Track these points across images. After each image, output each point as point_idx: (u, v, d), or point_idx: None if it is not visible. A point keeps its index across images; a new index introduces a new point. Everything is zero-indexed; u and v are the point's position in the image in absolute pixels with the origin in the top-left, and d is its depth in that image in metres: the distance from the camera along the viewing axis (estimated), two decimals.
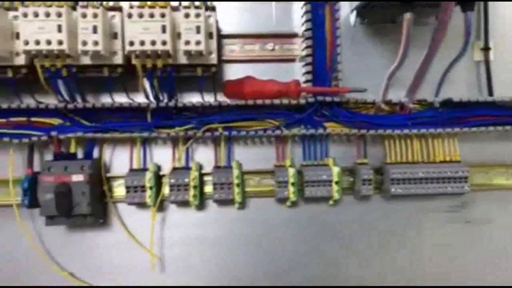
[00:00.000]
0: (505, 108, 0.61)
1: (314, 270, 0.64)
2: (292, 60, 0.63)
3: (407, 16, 0.51)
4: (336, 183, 0.59)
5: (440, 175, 0.59)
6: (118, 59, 0.53)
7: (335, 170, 0.59)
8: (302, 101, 0.58)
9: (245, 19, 0.62)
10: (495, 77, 0.63)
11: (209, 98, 0.59)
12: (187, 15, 0.51)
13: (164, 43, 0.50)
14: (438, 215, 0.64)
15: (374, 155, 0.63)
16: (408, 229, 0.64)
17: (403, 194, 0.59)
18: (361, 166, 0.60)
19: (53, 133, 0.56)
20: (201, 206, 0.62)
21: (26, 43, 0.49)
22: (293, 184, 0.59)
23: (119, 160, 0.62)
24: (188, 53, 0.52)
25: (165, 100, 0.57)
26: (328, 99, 0.58)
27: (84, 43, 0.50)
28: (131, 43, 0.50)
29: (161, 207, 0.61)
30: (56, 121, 0.58)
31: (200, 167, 0.61)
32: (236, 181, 0.58)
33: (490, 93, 0.63)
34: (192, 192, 0.58)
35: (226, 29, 0.60)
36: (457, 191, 0.59)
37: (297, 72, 0.62)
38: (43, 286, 0.60)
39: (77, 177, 0.55)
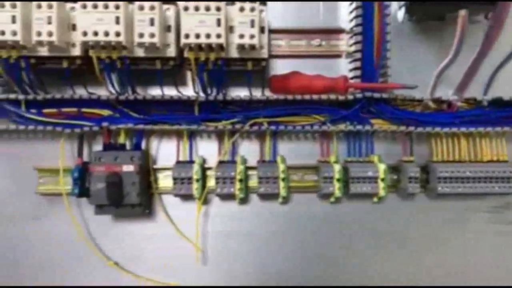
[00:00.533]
0: None
1: (353, 268, 0.63)
2: (338, 56, 0.62)
3: (462, 13, 0.51)
4: (382, 180, 0.59)
5: (488, 174, 0.59)
6: (171, 52, 0.54)
7: (382, 167, 0.58)
8: (350, 97, 0.58)
9: (291, 14, 0.62)
10: None
11: (255, 93, 0.59)
12: (242, 9, 0.51)
13: (219, 36, 0.51)
14: (481, 215, 0.64)
15: (418, 153, 0.63)
16: (451, 228, 0.64)
17: (450, 193, 0.59)
18: (407, 163, 0.60)
19: (105, 124, 0.57)
20: (244, 200, 0.62)
21: (84, 34, 0.50)
22: (338, 180, 0.59)
23: (164, 152, 0.62)
24: (241, 47, 0.53)
25: (214, 94, 0.58)
26: (376, 95, 0.58)
27: (141, 35, 0.50)
28: (187, 36, 0.51)
29: (204, 200, 0.62)
30: (106, 112, 0.59)
31: (245, 161, 0.62)
32: (282, 175, 0.58)
33: None
34: (238, 185, 0.58)
35: (272, 24, 0.61)
36: (505, 191, 0.59)
37: (343, 68, 0.62)
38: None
39: (128, 168, 0.56)
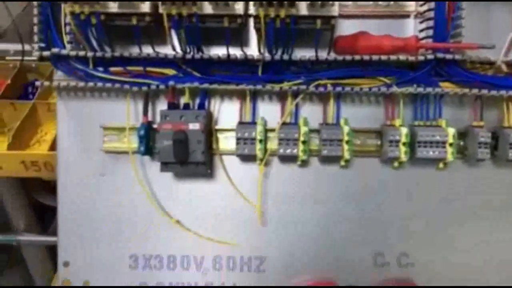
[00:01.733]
0: None
1: (415, 235, 0.62)
2: (406, 16, 0.60)
3: None
4: (451, 144, 0.57)
5: None
6: (239, 9, 0.53)
7: (451, 131, 0.57)
8: (421, 58, 0.56)
9: None
10: None
11: (320, 54, 0.58)
12: None
13: None
14: None
15: (487, 119, 0.61)
16: None
17: None
18: (477, 128, 0.58)
19: (171, 83, 0.57)
20: (305, 162, 0.61)
21: None
22: (404, 144, 0.58)
23: (226, 113, 0.62)
24: (310, 4, 0.51)
25: (279, 54, 0.57)
26: (448, 56, 0.56)
27: None
28: None
29: (265, 162, 0.62)
30: (171, 71, 0.59)
31: (307, 123, 0.61)
32: (346, 138, 0.58)
33: None
34: (301, 147, 0.58)
35: None
36: None
37: (410, 29, 0.60)
38: None
39: (194, 126, 0.56)
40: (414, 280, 0.63)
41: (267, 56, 0.57)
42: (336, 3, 0.53)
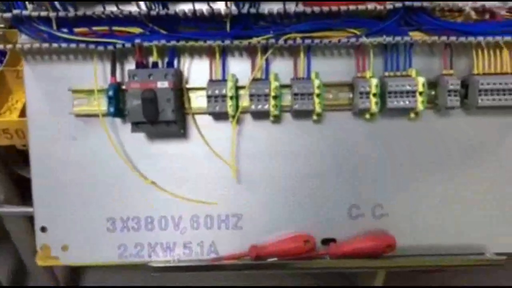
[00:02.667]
0: None
1: (391, 186, 0.63)
2: None
3: None
4: (421, 93, 0.57)
5: None
6: None
7: (420, 80, 0.57)
8: (389, 7, 0.56)
9: None
10: None
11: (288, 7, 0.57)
12: None
13: None
14: None
15: (457, 67, 0.61)
16: (490, 143, 0.62)
17: (491, 106, 0.57)
18: (447, 77, 0.58)
19: (137, 41, 0.57)
20: (277, 119, 0.61)
21: None
22: (374, 94, 0.58)
23: (197, 72, 0.62)
24: None
25: (246, 7, 0.56)
26: (416, 4, 0.55)
27: None
28: None
29: (237, 120, 0.61)
30: (137, 30, 0.58)
31: (278, 79, 0.60)
32: (317, 91, 0.58)
33: None
34: (272, 102, 0.58)
35: None
36: None
37: None
38: None
39: (162, 84, 0.56)
40: (389, 230, 0.64)
41: (234, 9, 0.56)
42: None
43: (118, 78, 0.60)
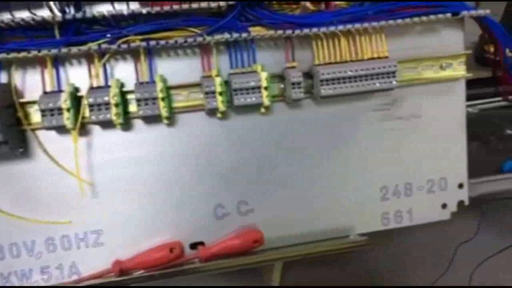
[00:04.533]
0: None
1: (253, 181, 0.63)
2: None
3: None
4: (266, 88, 0.57)
5: (369, 72, 0.59)
6: None
7: (263, 75, 0.57)
8: (223, 4, 0.54)
9: None
10: None
11: (119, 7, 0.54)
12: None
13: None
14: (370, 114, 0.65)
15: (304, 59, 0.61)
16: (345, 129, 0.64)
17: (333, 94, 0.59)
18: (290, 70, 0.59)
19: None
20: (127, 126, 0.59)
21: None
22: (221, 93, 0.57)
23: (32, 84, 0.57)
24: None
25: (72, 12, 0.52)
26: None
27: None
28: None
29: (84, 131, 0.58)
30: None
31: (122, 84, 0.58)
32: (160, 95, 0.55)
33: None
34: (114, 110, 0.55)
35: None
36: (385, 87, 0.59)
37: None
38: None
39: None
40: (257, 225, 0.64)
41: (59, 16, 0.52)
42: None
43: None
